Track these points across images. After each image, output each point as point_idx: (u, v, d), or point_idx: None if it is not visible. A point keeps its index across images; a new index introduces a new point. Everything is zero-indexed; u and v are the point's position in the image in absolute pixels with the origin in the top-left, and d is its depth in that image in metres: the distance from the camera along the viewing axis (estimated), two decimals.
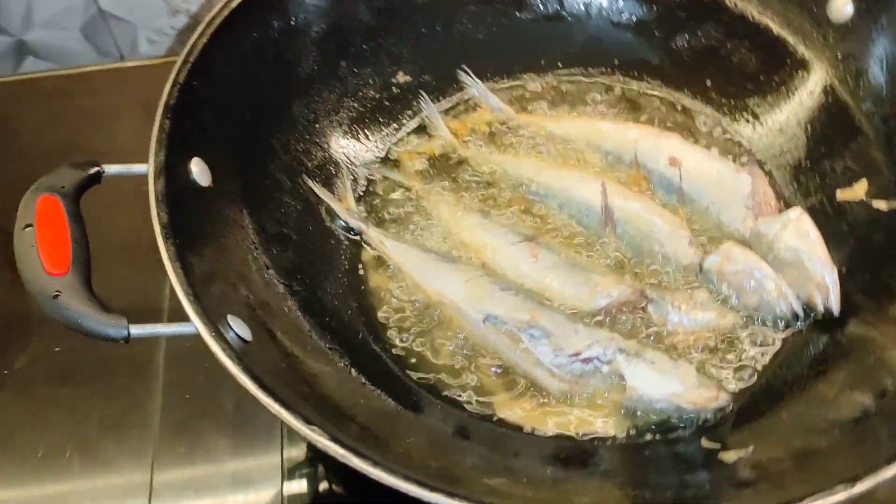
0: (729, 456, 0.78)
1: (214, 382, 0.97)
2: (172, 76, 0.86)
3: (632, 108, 1.12)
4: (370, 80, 1.10)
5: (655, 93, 1.14)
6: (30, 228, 0.71)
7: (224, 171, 0.89)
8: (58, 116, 1.30)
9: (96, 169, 0.79)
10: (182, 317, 0.71)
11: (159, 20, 1.40)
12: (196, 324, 0.69)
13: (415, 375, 0.90)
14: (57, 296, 0.69)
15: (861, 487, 0.61)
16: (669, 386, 0.84)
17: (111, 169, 0.82)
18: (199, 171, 0.85)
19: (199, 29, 0.91)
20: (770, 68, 1.07)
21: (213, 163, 0.87)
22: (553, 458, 0.84)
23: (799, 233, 0.91)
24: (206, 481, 0.93)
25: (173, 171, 0.81)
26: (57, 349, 1.01)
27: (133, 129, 1.24)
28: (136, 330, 0.71)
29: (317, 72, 1.05)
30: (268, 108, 0.99)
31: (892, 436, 0.69)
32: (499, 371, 0.90)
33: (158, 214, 0.76)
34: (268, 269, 0.89)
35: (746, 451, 0.78)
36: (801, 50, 1.04)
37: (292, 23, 1.01)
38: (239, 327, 0.74)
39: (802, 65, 1.04)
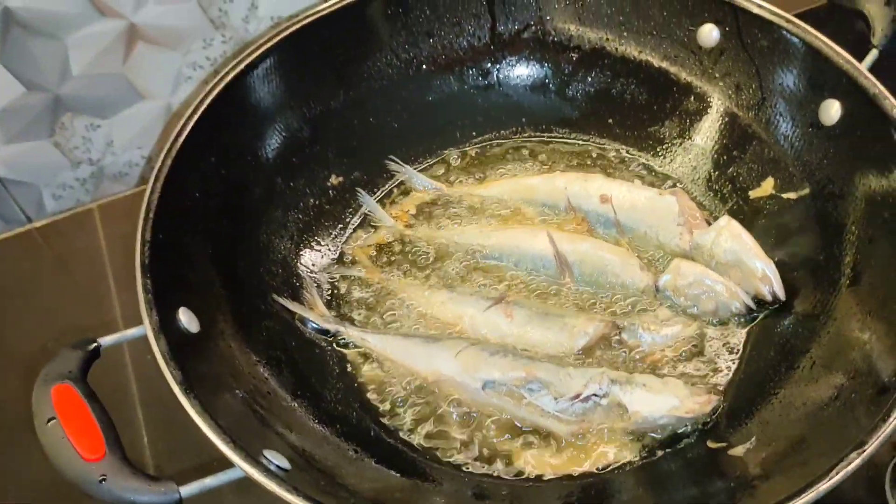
0: (737, 451, 0.87)
1: None
2: (139, 235, 0.89)
3: (550, 158, 1.22)
4: (307, 189, 1.15)
5: (567, 140, 1.24)
6: (54, 421, 0.72)
7: (207, 312, 0.92)
8: None
9: (95, 345, 0.81)
10: (222, 464, 0.74)
11: (62, 174, 1.39)
12: (244, 468, 0.72)
13: (432, 452, 0.94)
14: (103, 480, 0.70)
15: (871, 449, 0.70)
16: (667, 402, 0.92)
17: (106, 340, 0.83)
18: (186, 319, 0.88)
19: (150, 184, 0.93)
20: (660, 98, 1.19)
21: (195, 307, 0.90)
22: (579, 500, 0.90)
23: (732, 236, 1.02)
24: None
25: (167, 326, 0.83)
26: None
27: (68, 287, 1.25)
28: (187, 490, 0.72)
29: (259, 194, 1.09)
30: (226, 241, 1.02)
31: (879, 395, 0.78)
32: (510, 430, 0.95)
33: (172, 373, 0.78)
34: (275, 393, 0.92)
35: (750, 443, 0.87)
36: (684, 76, 1.16)
37: (228, 154, 1.05)
38: (276, 458, 0.77)
39: (687, 90, 1.16)
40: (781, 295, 0.99)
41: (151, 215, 0.91)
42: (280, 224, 1.11)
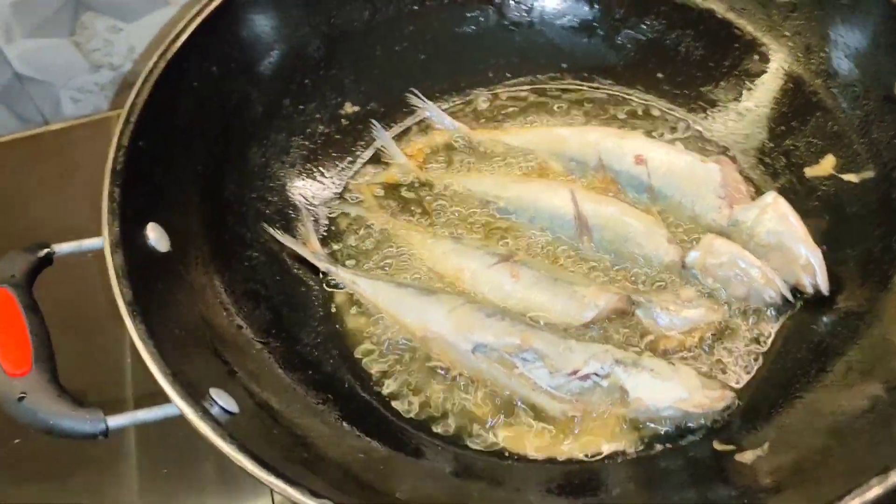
0: (746, 457, 0.76)
1: (192, 452, 0.92)
2: (115, 139, 0.81)
3: (587, 110, 1.10)
4: (317, 115, 1.06)
5: (609, 92, 1.12)
6: None
7: (182, 232, 0.85)
8: None
9: (46, 251, 0.74)
10: (159, 398, 0.67)
11: (81, 77, 1.33)
12: (179, 405, 0.64)
13: (408, 416, 0.86)
14: (22, 398, 0.63)
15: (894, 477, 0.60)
16: (674, 392, 0.82)
17: (62, 248, 0.76)
18: (156, 236, 0.81)
19: (137, 86, 0.85)
20: (718, 54, 1.06)
21: (169, 226, 0.83)
22: (560, 487, 0.81)
23: (777, 216, 0.90)
24: None
25: (129, 241, 0.76)
26: (17, 441, 0.93)
27: (70, 196, 1.19)
28: (115, 421, 0.65)
29: (262, 114, 1.01)
30: (216, 160, 0.94)
31: None
32: (497, 401, 0.86)
33: (122, 291, 0.71)
34: (241, 329, 0.84)
35: (762, 450, 0.76)
36: (749, 31, 1.03)
37: (232, 66, 0.96)
38: (223, 400, 0.70)
39: (750, 47, 1.04)
40: (825, 288, 0.87)
41: (133, 119, 0.83)
42: (282, 149, 1.02)
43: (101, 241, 0.74)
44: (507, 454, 0.83)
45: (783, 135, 1.01)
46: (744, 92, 1.05)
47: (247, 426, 0.70)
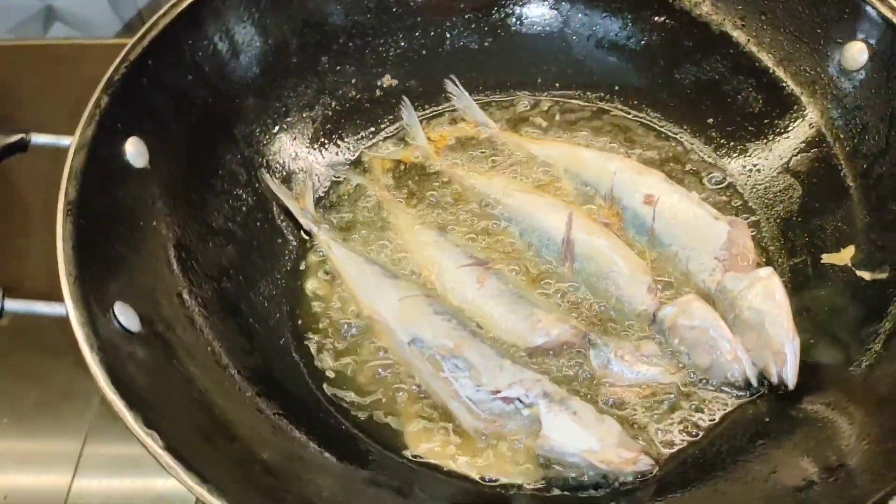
0: None
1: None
2: (123, 53, 0.84)
3: (624, 139, 1.05)
4: (352, 80, 1.07)
5: (654, 125, 1.06)
6: None
7: (168, 155, 0.87)
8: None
9: (21, 136, 0.78)
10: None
11: None
12: (67, 304, 0.66)
13: (329, 392, 0.86)
14: None
15: None
16: (585, 441, 0.77)
17: (39, 139, 0.80)
18: (135, 151, 0.83)
19: (166, 6, 0.88)
20: (774, 112, 0.98)
21: (156, 145, 0.85)
22: (457, 500, 0.78)
23: (765, 294, 0.83)
24: (134, 459, 0.91)
25: (103, 147, 0.79)
26: None
27: None
28: (12, 305, 0.68)
29: (294, 64, 1.02)
30: (233, 98, 0.96)
31: None
32: (421, 398, 0.84)
33: (67, 190, 0.74)
34: (193, 259, 0.86)
35: None
36: (807, 97, 0.95)
37: (270, 8, 0.98)
38: (127, 316, 0.72)
39: (806, 111, 0.95)
40: (791, 382, 0.80)
41: (150, 37, 0.85)
42: (307, 102, 1.04)
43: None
44: (419, 460, 0.81)
45: (816, 212, 0.92)
46: (788, 156, 0.96)
47: (135, 346, 0.71)
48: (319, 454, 0.79)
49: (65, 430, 0.94)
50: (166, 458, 0.61)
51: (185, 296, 0.82)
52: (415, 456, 0.81)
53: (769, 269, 0.85)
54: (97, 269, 0.72)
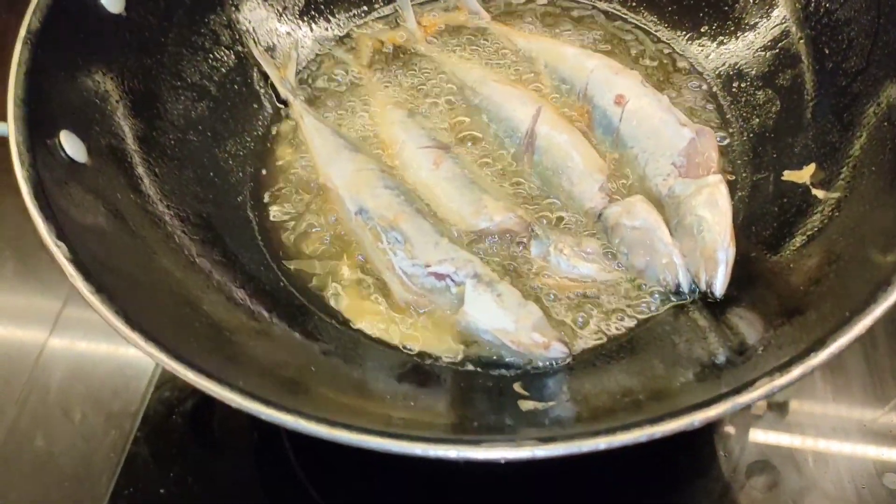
0: (525, 405, 0.73)
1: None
2: None
3: (616, 41, 1.03)
4: None
5: (647, 28, 1.04)
6: None
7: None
8: None
9: None
10: None
11: None
12: (9, 126, 0.70)
13: (278, 255, 0.88)
14: None
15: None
16: (501, 321, 0.78)
17: None
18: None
19: None
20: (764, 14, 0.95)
21: None
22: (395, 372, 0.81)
23: (709, 201, 0.82)
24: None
25: None
26: None
27: None
28: None
29: None
30: None
31: None
32: (358, 274, 0.87)
33: (30, 20, 0.77)
34: (165, 109, 0.89)
35: (545, 405, 0.72)
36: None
37: None
38: (72, 147, 0.75)
39: (791, 28, 0.91)
40: (718, 291, 0.79)
41: None
42: None
43: None
44: (354, 326, 0.84)
45: (788, 130, 0.89)
46: (778, 74, 0.93)
47: (83, 180, 0.74)
48: (263, 315, 0.81)
49: (49, 287, 1.00)
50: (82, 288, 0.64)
51: (143, 137, 0.85)
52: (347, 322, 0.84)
53: (718, 177, 0.83)
54: (47, 97, 0.75)
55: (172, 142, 0.89)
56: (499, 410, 0.75)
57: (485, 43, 1.04)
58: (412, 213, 0.86)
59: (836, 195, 0.79)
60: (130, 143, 0.83)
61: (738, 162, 0.91)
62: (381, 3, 1.08)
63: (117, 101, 0.84)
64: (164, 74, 0.91)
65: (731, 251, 0.79)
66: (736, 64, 0.97)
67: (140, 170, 0.82)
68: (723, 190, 0.82)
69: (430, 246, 0.84)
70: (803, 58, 0.90)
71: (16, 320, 1.00)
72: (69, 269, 0.63)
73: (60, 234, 0.65)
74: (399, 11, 1.07)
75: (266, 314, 0.81)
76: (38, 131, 0.72)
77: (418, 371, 0.81)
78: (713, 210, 0.81)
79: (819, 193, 0.81)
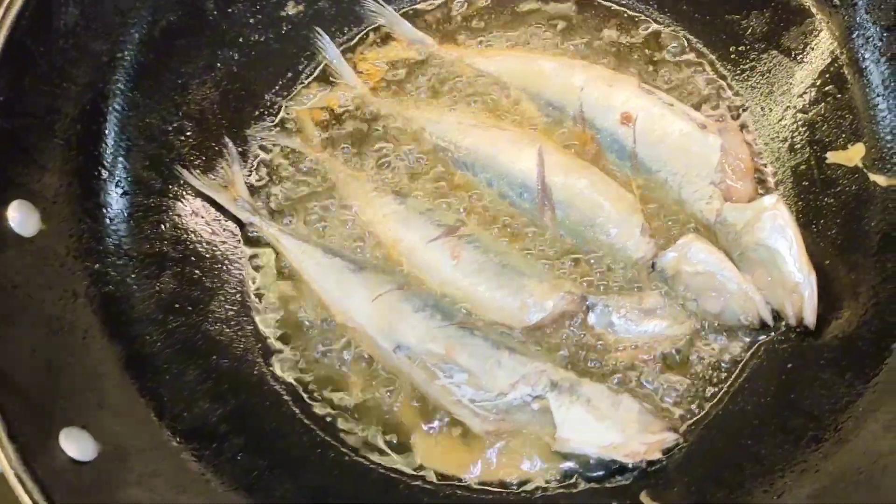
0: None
1: None
2: None
3: (582, 33, 0.90)
4: (249, 19, 0.89)
5: (615, 4, 0.90)
6: None
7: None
8: None
9: None
10: None
11: None
12: None
13: (320, 412, 0.78)
14: None
15: None
16: (605, 435, 0.72)
17: None
18: None
19: None
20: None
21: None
22: None
23: (773, 227, 0.74)
24: None
25: None
26: None
27: None
28: None
29: (178, 22, 0.84)
30: (115, 86, 0.79)
31: None
32: (418, 403, 0.78)
33: None
34: (133, 309, 0.75)
35: None
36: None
37: None
38: (76, 445, 0.63)
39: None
40: (811, 322, 0.73)
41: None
42: (206, 64, 0.86)
43: None
44: (423, 474, 0.76)
45: (815, 101, 0.81)
46: (779, 35, 0.83)
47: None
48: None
49: None
50: None
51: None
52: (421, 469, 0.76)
53: (774, 197, 0.76)
54: None
55: (160, 342, 0.76)
56: None
57: (443, 76, 0.90)
58: (459, 336, 0.76)
59: None
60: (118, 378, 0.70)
61: (767, 147, 0.83)
62: (304, 62, 0.92)
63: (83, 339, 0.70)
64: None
65: (813, 278, 0.73)
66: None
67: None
68: (783, 211, 0.75)
69: (494, 368, 0.75)
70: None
71: None
72: None
73: None
74: (329, 65, 0.90)
75: None
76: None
77: None
78: (781, 238, 0.74)
79: (879, 179, 0.75)
